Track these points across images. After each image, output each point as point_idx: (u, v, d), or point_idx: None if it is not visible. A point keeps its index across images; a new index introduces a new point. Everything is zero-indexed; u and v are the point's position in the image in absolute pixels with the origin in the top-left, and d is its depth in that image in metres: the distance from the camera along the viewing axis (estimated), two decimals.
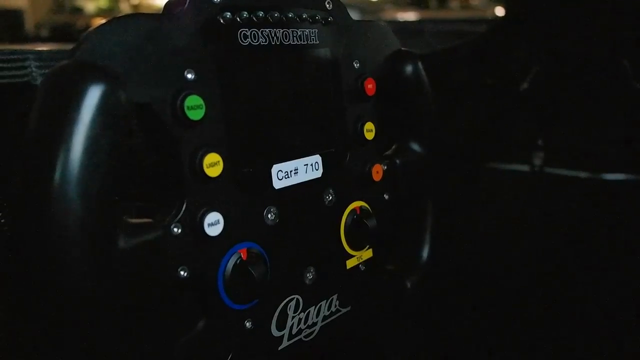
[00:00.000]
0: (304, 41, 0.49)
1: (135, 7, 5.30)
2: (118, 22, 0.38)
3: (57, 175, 0.33)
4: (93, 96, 0.34)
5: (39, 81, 0.53)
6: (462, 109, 1.00)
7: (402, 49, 0.60)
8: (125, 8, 5.39)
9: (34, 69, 0.54)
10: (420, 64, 0.59)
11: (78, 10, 5.41)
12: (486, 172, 1.00)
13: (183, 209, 0.40)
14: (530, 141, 0.97)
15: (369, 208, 0.55)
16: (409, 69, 0.59)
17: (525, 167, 0.97)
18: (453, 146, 0.91)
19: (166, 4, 0.42)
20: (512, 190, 0.99)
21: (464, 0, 4.53)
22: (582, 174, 0.93)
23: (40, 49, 0.56)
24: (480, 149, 1.02)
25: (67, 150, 0.33)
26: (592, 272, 0.85)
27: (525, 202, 0.97)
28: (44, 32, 3.93)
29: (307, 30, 0.49)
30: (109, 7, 5.45)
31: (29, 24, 4.41)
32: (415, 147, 0.60)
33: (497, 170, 1.00)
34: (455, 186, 0.92)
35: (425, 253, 0.61)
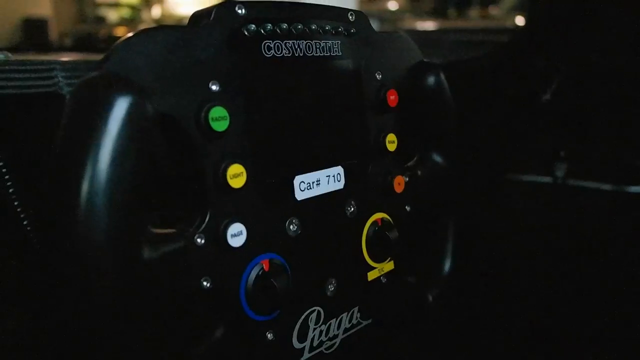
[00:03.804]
0: (326, 53, 0.49)
1: (156, 17, 5.38)
2: (145, 35, 0.38)
3: (85, 185, 0.33)
4: (121, 108, 0.34)
5: (65, 90, 0.54)
6: (483, 119, 0.99)
7: (425, 60, 0.59)
8: (147, 17, 5.46)
9: (60, 79, 0.55)
10: (442, 75, 0.59)
11: (101, 20, 5.50)
12: (507, 183, 0.99)
13: (206, 219, 0.41)
14: (553, 152, 0.96)
15: (391, 220, 0.55)
16: (431, 80, 0.58)
17: (547, 179, 0.95)
18: (474, 157, 0.90)
19: (192, 16, 0.43)
20: (533, 202, 0.97)
21: (483, 10, 4.51)
22: (606, 186, 0.91)
23: (66, 59, 0.57)
24: (502, 160, 1.01)
25: (95, 160, 0.33)
26: (616, 286, 0.84)
27: (547, 214, 0.95)
28: (68, 42, 4.01)
29: (329, 42, 0.50)
30: (131, 17, 5.53)
31: (53, 33, 4.50)
32: (437, 158, 0.60)
33: (518, 181, 0.99)
34: (476, 198, 0.91)
35: (446, 265, 0.60)
